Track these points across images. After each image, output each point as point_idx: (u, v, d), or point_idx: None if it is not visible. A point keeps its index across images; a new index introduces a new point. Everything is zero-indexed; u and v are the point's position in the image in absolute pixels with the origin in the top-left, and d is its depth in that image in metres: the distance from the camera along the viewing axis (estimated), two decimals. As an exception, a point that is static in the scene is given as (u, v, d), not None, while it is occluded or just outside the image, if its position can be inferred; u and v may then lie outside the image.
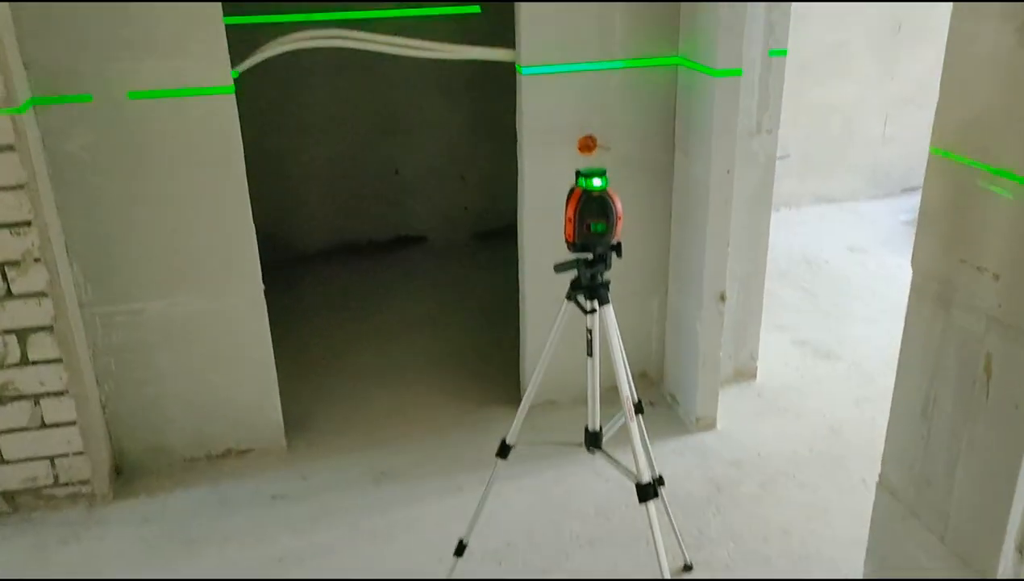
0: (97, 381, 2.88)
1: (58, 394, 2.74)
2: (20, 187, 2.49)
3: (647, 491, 2.15)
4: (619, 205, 2.08)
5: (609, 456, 2.31)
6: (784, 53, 3.11)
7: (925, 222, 1.90)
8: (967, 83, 1.75)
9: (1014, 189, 1.63)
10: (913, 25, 5.23)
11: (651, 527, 2.18)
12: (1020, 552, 1.80)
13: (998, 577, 1.78)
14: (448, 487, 2.93)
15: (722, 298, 3.07)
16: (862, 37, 5.23)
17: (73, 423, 2.78)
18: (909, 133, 5.43)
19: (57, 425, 2.78)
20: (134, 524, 2.80)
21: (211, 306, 2.90)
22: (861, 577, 2.28)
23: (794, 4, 3.07)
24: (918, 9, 5.18)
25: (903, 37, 5.26)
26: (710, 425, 3.22)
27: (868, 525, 2.21)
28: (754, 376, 3.56)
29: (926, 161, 1.87)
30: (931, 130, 1.84)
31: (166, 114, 2.66)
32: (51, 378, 2.71)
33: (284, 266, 4.62)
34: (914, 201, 1.93)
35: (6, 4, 2.42)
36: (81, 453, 2.82)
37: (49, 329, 2.65)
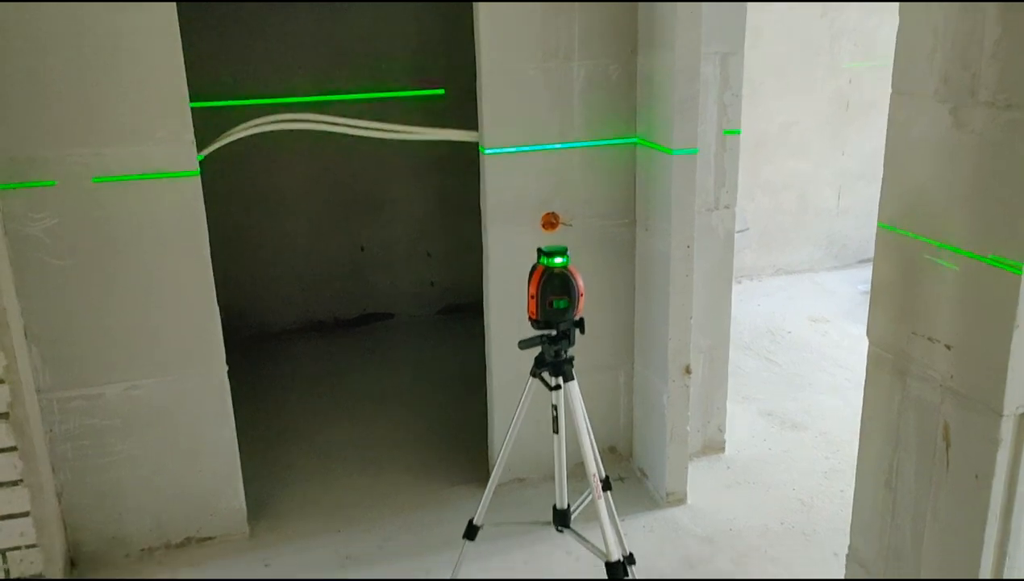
0: (53, 469, 2.80)
1: (12, 484, 2.65)
2: (-22, 272, 2.46)
3: (617, 570, 2.12)
4: (581, 282, 2.11)
5: (578, 535, 2.29)
6: (738, 132, 3.22)
7: (877, 295, 1.95)
8: (908, 161, 1.82)
9: (960, 262, 1.69)
10: (860, 103, 5.45)
11: (622, 607, 2.15)
12: (990, 622, 1.80)
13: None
14: (415, 569, 2.87)
15: (687, 371, 3.10)
16: (812, 116, 5.43)
17: (27, 514, 2.69)
18: (862, 206, 5.61)
19: (10, 516, 2.68)
20: (88, 619, 2.69)
21: (172, 389, 2.86)
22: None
23: (745, 88, 3.20)
24: (865, 88, 5.41)
25: (851, 115, 5.48)
26: (680, 500, 3.20)
27: (840, 599, 2.20)
28: (723, 449, 3.56)
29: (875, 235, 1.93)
30: (878, 206, 1.91)
31: (131, 198, 2.66)
32: (5, 467, 2.63)
33: (249, 344, 4.59)
34: (870, 272, 1.98)
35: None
36: (34, 545, 2.72)
37: (5, 416, 2.59)
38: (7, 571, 2.72)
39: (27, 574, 2.73)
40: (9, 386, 2.57)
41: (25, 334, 2.67)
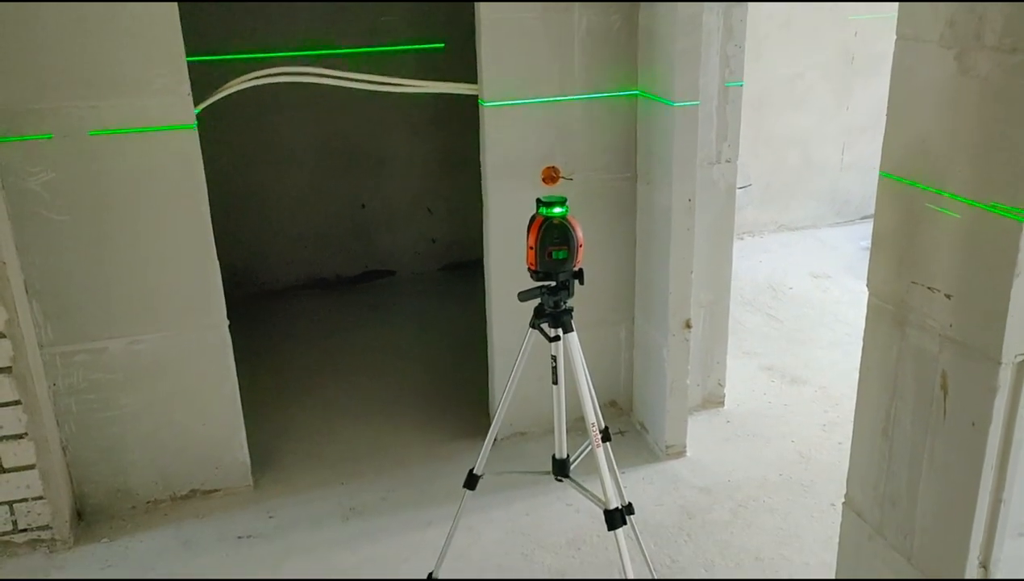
0: (57, 423, 2.83)
1: (17, 437, 2.68)
2: (-23, 227, 2.46)
3: (615, 517, 2.15)
4: (580, 232, 2.10)
5: (577, 484, 2.31)
6: (740, 84, 3.18)
7: (878, 245, 1.94)
8: (912, 108, 1.80)
9: (961, 209, 1.68)
10: (866, 56, 5.38)
11: (621, 555, 2.18)
12: (984, 567, 1.82)
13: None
14: (417, 521, 2.90)
15: (688, 325, 3.10)
16: (816, 69, 5.36)
17: (33, 467, 2.72)
18: (866, 162, 5.57)
19: (16, 469, 2.71)
20: (96, 570, 2.73)
21: (175, 343, 2.87)
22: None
23: (748, 40, 3.15)
24: (871, 41, 5.33)
25: (856, 68, 5.41)
26: (680, 452, 3.23)
27: (836, 547, 2.22)
28: (722, 403, 3.58)
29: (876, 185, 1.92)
30: (880, 154, 1.89)
31: (128, 151, 2.65)
32: (10, 421, 2.65)
33: (251, 301, 4.60)
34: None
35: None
36: (41, 498, 2.76)
37: (7, 370, 2.60)
38: (15, 523, 2.76)
39: (34, 525, 2.78)
40: (11, 341, 2.58)
41: (26, 289, 2.68)
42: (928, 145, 1.76)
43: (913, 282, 1.83)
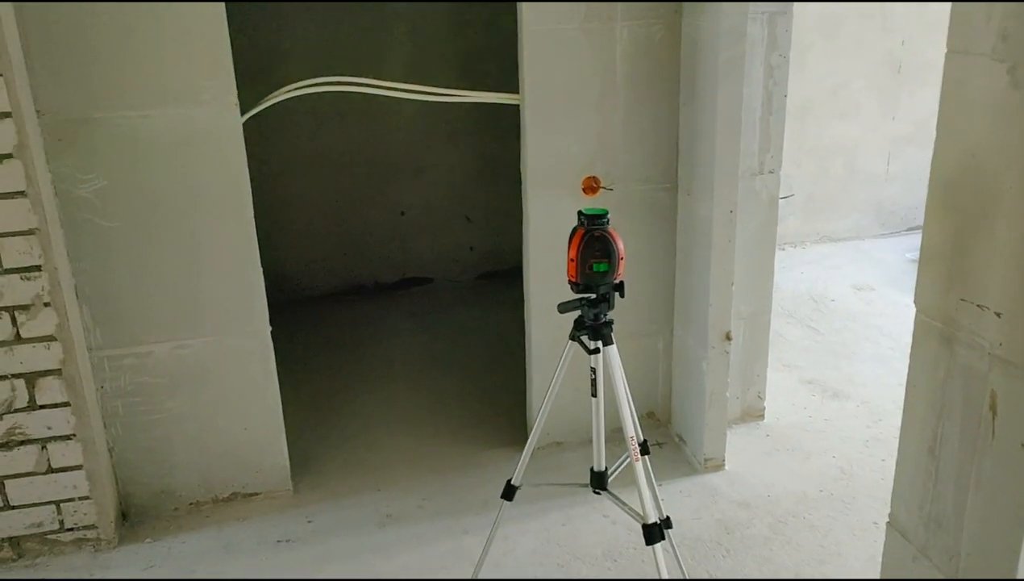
0: (104, 425, 2.89)
1: (65, 438, 2.74)
2: (31, 232, 2.53)
3: (653, 532, 2.13)
4: (621, 245, 2.10)
5: (615, 497, 2.30)
6: (784, 95, 3.14)
7: (926, 261, 1.91)
8: (962, 122, 1.77)
9: (1012, 226, 1.64)
10: (913, 66, 5.29)
11: (658, 570, 2.16)
12: (1032, 593, 1.77)
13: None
14: (454, 529, 2.91)
15: (728, 337, 3.07)
16: (862, 78, 5.29)
17: (80, 467, 2.78)
18: (912, 172, 5.47)
19: (64, 469, 2.78)
20: (139, 570, 2.78)
21: (219, 348, 2.92)
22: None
23: (793, 49, 3.12)
24: (918, 50, 5.25)
25: (903, 78, 5.32)
26: (718, 466, 3.19)
27: (880, 568, 2.18)
28: (762, 416, 3.54)
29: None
30: (930, 168, 1.86)
31: (176, 159, 2.70)
32: (58, 422, 2.72)
33: (291, 307, 4.66)
34: (918, 240, 1.94)
35: (20, 54, 2.47)
36: (87, 498, 2.82)
37: (57, 373, 2.67)
38: (61, 522, 2.83)
39: (80, 524, 2.84)
40: (61, 344, 2.65)
41: (76, 294, 2.75)
42: (979, 160, 1.73)
43: (962, 299, 1.79)
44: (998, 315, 1.70)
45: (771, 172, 3.24)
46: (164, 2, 2.55)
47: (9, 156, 2.45)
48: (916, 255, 1.95)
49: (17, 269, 2.55)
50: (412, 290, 5.08)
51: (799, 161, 5.29)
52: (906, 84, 5.34)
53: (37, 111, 2.56)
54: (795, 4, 3.06)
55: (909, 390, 2.01)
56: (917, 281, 1.93)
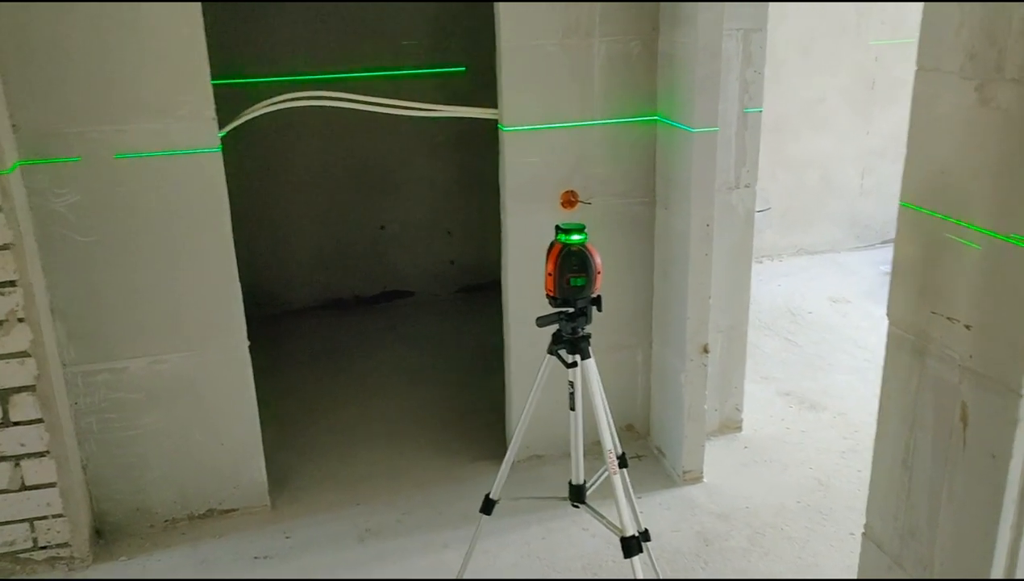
0: (78, 441, 2.86)
1: (39, 455, 2.71)
2: (5, 248, 2.50)
3: (632, 545, 2.14)
4: (598, 259, 2.11)
5: (593, 510, 2.30)
6: (759, 110, 3.19)
7: (898, 274, 1.94)
8: (932, 138, 1.80)
9: (982, 241, 1.67)
10: (886, 82, 5.37)
11: (637, 583, 2.16)
12: (1005, 603, 1.80)
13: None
14: (433, 543, 2.90)
15: (705, 350, 3.09)
16: (836, 94, 5.36)
17: (53, 485, 2.75)
18: (886, 186, 5.54)
19: (37, 487, 2.74)
20: (113, 587, 2.75)
21: (195, 363, 2.90)
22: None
23: (768, 65, 3.16)
24: (892, 66, 5.33)
25: (876, 94, 5.40)
26: (697, 478, 3.21)
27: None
28: (740, 428, 3.56)
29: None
30: (900, 184, 1.89)
31: (153, 174, 2.69)
32: (32, 439, 2.69)
33: (270, 321, 4.64)
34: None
35: (-4, 69, 2.46)
36: (61, 516, 2.78)
37: (31, 389, 2.64)
38: (35, 540, 2.79)
39: (54, 542, 2.80)
40: (35, 360, 2.62)
41: (51, 309, 2.72)
42: (948, 176, 1.76)
43: (933, 312, 1.82)
44: (968, 328, 1.73)
45: (747, 186, 3.28)
46: (142, 18, 2.54)
47: (-17, 170, 2.43)
48: (890, 268, 1.98)
49: (-9, 284, 2.52)
50: (392, 303, 5.07)
51: (775, 174, 5.35)
52: (879, 100, 5.42)
53: (12, 125, 2.54)
54: (769, 21, 3.10)
55: (882, 402, 2.04)
56: (889, 294, 1.96)
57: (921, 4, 1.80)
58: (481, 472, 3.28)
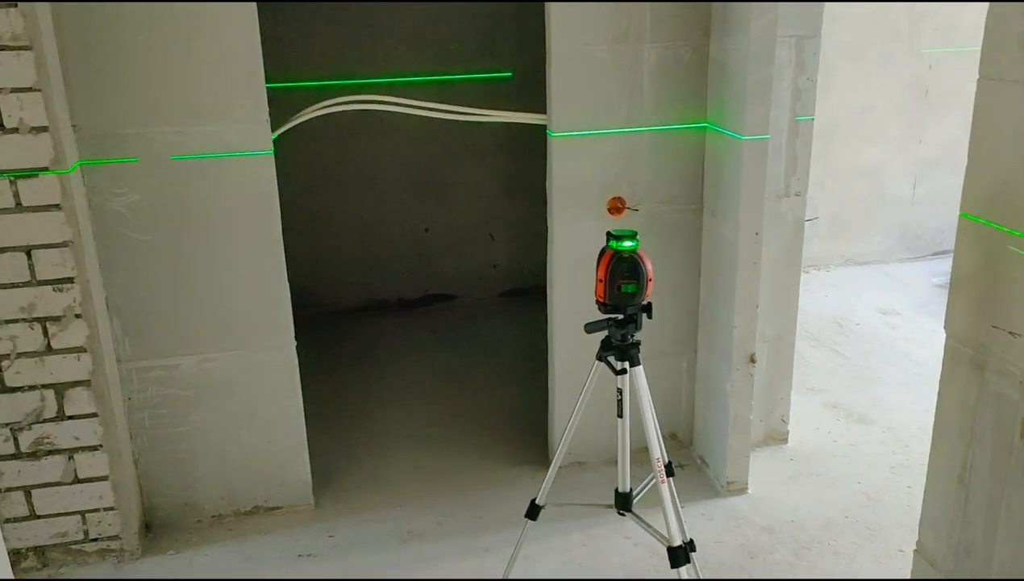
0: (130, 436, 2.92)
1: (92, 449, 2.77)
2: (65, 245, 2.57)
3: (679, 555, 2.12)
4: (649, 266, 2.10)
5: (639, 519, 2.29)
6: (811, 118, 3.15)
7: (957, 286, 1.90)
8: (994, 148, 1.76)
9: (1046, 254, 1.63)
10: (940, 90, 5.27)
11: (682, 593, 2.14)
12: (1065, 626, 1.75)
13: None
14: (474, 547, 2.91)
15: (752, 360, 3.06)
16: (889, 102, 5.27)
17: (106, 478, 2.81)
18: (938, 196, 5.43)
19: (90, 480, 2.80)
20: (161, 581, 2.80)
21: (245, 362, 2.94)
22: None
23: (819, 72, 3.12)
24: (945, 74, 5.23)
25: (930, 102, 5.30)
26: (741, 489, 3.17)
27: (906, 595, 2.16)
28: (785, 439, 3.51)
29: (956, 225, 1.87)
30: (960, 195, 1.85)
31: (208, 175, 2.74)
32: (86, 433, 2.75)
33: (314, 322, 4.68)
34: (945, 264, 1.94)
35: (58, 70, 2.52)
36: (112, 508, 2.84)
37: (87, 384, 2.70)
38: (86, 532, 2.85)
39: (104, 535, 2.86)
40: (91, 355, 2.68)
41: (107, 306, 2.78)
42: (1010, 187, 1.72)
43: (994, 326, 1.78)
44: (1031, 342, 1.69)
45: (797, 194, 3.23)
46: (200, 21, 2.59)
47: (45, 169, 2.50)
48: (942, 280, 1.94)
49: (50, 281, 2.59)
50: (435, 307, 5.10)
51: (824, 184, 5.27)
52: (933, 108, 5.32)
53: (73, 125, 2.61)
54: (823, 28, 3.06)
55: (938, 416, 2.00)
56: (948, 307, 1.92)
57: (980, 12, 1.76)
58: (521, 477, 3.28)
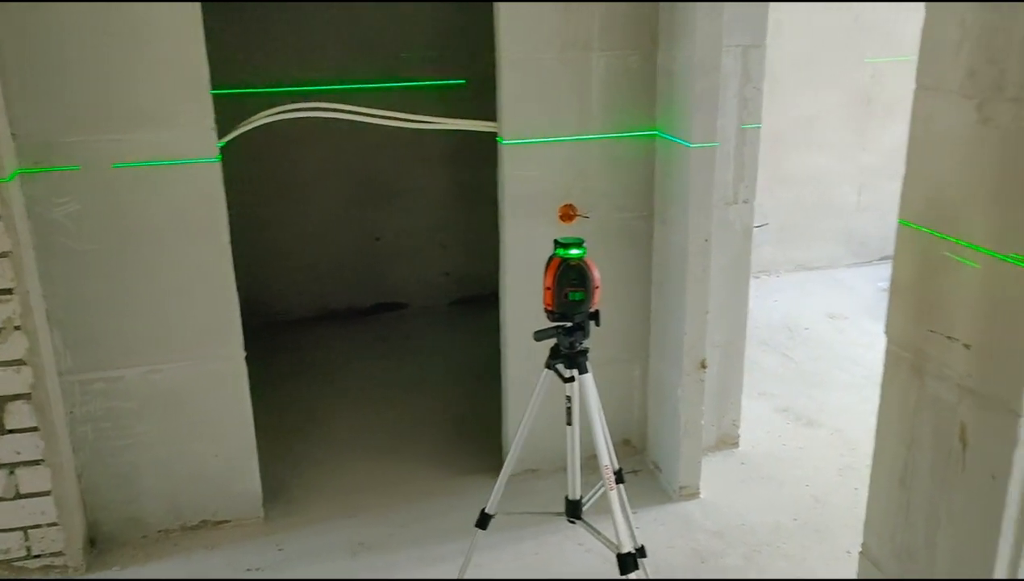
0: (73, 450, 2.84)
1: (34, 463, 2.69)
2: (3, 255, 2.49)
3: (628, 562, 2.13)
4: (597, 274, 2.11)
5: (590, 526, 2.29)
6: (758, 126, 3.20)
7: (896, 292, 1.94)
8: (931, 157, 1.81)
9: (980, 260, 1.67)
10: (883, 99, 5.40)
11: (633, 599, 2.15)
12: (1003, 623, 1.79)
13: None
14: (426, 558, 2.88)
15: (703, 365, 3.09)
16: (834, 111, 5.39)
17: (48, 493, 2.73)
18: (883, 202, 5.56)
19: (32, 495, 2.72)
20: (105, 598, 2.73)
21: (192, 373, 2.88)
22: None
23: (765, 81, 3.18)
24: (889, 84, 5.36)
25: (873, 111, 5.43)
26: (693, 494, 3.20)
27: (851, 596, 2.19)
28: (737, 444, 3.55)
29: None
30: (899, 202, 1.89)
31: (152, 183, 2.68)
32: (27, 447, 2.67)
33: (264, 332, 4.61)
34: (890, 270, 1.97)
35: (-4, 76, 2.46)
36: (55, 524, 2.76)
37: (27, 397, 2.63)
38: (28, 548, 2.77)
39: (47, 551, 2.78)
40: (31, 368, 2.61)
41: (48, 317, 2.71)
42: (947, 194, 1.76)
43: (931, 331, 1.82)
44: (967, 347, 1.73)
45: (745, 201, 3.28)
46: (141, 26, 2.54)
47: (-19, 178, 2.43)
48: (887, 285, 1.98)
49: (-13, 292, 2.52)
50: (386, 315, 5.06)
51: (773, 190, 5.35)
52: (876, 117, 5.45)
53: (12, 134, 2.53)
54: (768, 38, 3.11)
55: (880, 421, 2.04)
56: (888, 312, 1.96)
57: (920, 23, 1.81)
58: (474, 485, 3.26)
